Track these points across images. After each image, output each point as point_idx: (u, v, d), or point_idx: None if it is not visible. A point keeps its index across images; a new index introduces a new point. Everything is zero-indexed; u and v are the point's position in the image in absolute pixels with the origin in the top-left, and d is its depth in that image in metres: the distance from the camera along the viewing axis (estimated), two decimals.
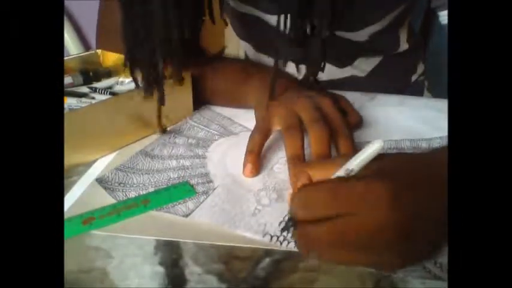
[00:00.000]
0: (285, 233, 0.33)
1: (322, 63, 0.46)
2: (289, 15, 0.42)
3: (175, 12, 0.43)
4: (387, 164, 0.31)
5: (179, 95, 0.53)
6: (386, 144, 0.47)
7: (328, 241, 0.28)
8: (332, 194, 0.28)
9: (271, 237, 0.34)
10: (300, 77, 0.48)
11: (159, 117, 0.49)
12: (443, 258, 0.31)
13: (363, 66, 0.67)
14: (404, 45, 0.66)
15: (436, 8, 0.51)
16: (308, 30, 0.43)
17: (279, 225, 0.34)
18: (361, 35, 0.59)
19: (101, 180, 0.42)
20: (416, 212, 0.28)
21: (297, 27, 0.42)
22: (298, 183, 0.34)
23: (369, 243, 0.28)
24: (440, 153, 0.33)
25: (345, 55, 0.66)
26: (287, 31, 0.42)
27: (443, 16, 0.51)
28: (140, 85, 0.47)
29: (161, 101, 0.47)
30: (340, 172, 0.31)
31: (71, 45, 1.56)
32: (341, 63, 0.66)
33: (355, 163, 0.31)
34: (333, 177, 0.31)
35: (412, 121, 0.52)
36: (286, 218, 0.32)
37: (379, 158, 0.31)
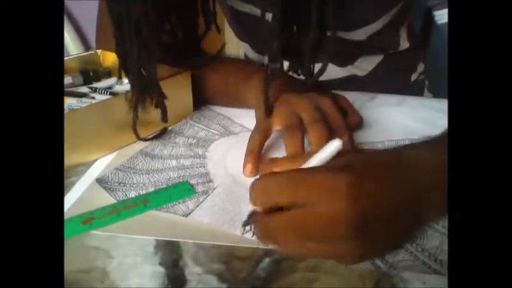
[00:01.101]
0: (247, 227, 0.32)
1: (322, 63, 0.46)
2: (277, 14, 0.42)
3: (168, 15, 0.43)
4: (351, 158, 0.31)
5: (179, 95, 0.53)
6: (387, 144, 0.47)
7: (286, 232, 0.28)
8: (290, 182, 0.28)
9: None
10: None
11: (134, 125, 0.48)
12: (444, 255, 0.31)
13: (363, 66, 0.67)
14: (404, 44, 0.66)
15: (432, 7, 0.51)
16: (295, 28, 0.43)
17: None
18: (360, 34, 0.59)
19: (101, 180, 0.42)
20: (376, 205, 0.28)
21: (286, 27, 0.42)
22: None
23: (327, 233, 0.27)
24: (409, 147, 0.33)
25: (345, 54, 0.66)
26: (276, 30, 0.42)
27: (439, 15, 0.50)
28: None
29: (161, 108, 0.48)
30: (307, 164, 0.31)
31: (71, 45, 1.56)
32: (342, 63, 0.66)
33: (315, 161, 0.31)
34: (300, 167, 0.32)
35: (412, 121, 0.52)
36: (249, 212, 0.32)
37: (345, 153, 0.31)
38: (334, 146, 0.31)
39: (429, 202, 0.30)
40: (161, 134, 0.50)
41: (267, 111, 0.46)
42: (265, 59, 0.45)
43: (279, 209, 0.28)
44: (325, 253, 0.29)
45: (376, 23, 0.56)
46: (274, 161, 0.37)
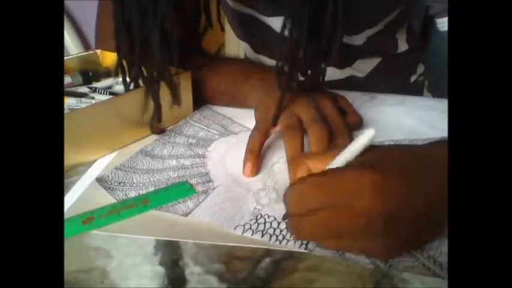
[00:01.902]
0: (286, 221, 0.34)
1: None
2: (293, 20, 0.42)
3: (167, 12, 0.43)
4: (376, 155, 0.32)
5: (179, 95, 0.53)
6: (387, 143, 0.47)
7: (320, 231, 0.30)
8: (319, 187, 0.30)
9: (271, 236, 0.34)
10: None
11: (159, 116, 0.49)
12: (443, 258, 0.31)
13: (362, 67, 0.67)
14: (403, 46, 0.66)
15: (434, 14, 0.51)
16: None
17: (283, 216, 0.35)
18: (358, 39, 0.59)
19: (100, 180, 0.42)
20: (403, 202, 0.28)
21: (300, 31, 0.42)
22: (298, 174, 0.35)
23: (358, 230, 0.29)
24: (434, 146, 0.33)
25: (344, 57, 0.66)
26: (288, 33, 0.42)
27: (441, 24, 0.50)
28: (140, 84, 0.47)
29: (175, 99, 0.49)
30: (335, 162, 0.32)
31: (71, 45, 1.56)
32: (340, 65, 0.66)
33: (349, 153, 0.31)
34: (327, 167, 0.32)
35: (412, 121, 0.52)
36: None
37: (370, 149, 0.32)
38: (368, 135, 0.31)
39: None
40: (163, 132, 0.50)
41: (275, 120, 0.46)
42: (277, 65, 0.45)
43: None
44: (358, 249, 0.31)
45: (375, 27, 0.57)
46: (308, 155, 0.37)
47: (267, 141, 0.45)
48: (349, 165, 0.31)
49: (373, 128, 0.31)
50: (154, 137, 0.50)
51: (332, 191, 0.29)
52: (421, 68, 0.72)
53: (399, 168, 0.30)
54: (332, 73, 0.65)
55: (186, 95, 0.54)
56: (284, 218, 0.34)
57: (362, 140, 0.31)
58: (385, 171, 0.29)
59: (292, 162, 0.38)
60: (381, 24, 0.57)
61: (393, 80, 0.68)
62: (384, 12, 0.56)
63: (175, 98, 0.50)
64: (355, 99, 0.58)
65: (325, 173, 0.31)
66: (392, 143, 0.47)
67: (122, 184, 0.41)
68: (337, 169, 0.31)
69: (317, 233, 0.30)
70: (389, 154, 0.32)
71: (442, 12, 0.49)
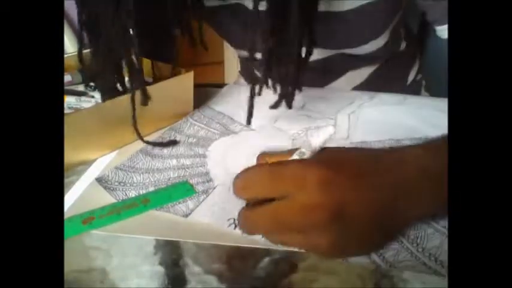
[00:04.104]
0: (219, 229, 0.33)
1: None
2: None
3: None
4: (329, 154, 0.32)
5: (181, 94, 0.53)
6: (387, 143, 0.47)
7: (266, 223, 0.30)
8: (266, 175, 0.30)
9: None
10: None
11: (135, 123, 0.46)
12: (444, 256, 0.31)
13: (362, 72, 0.67)
14: (402, 45, 0.66)
15: (433, 22, 0.50)
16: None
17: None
18: (367, 48, 0.58)
19: (100, 180, 0.42)
20: (349, 200, 0.28)
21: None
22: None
23: (302, 224, 0.29)
24: (388, 151, 0.34)
25: (347, 67, 0.66)
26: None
27: (441, 31, 0.49)
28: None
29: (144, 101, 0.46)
30: (294, 156, 0.32)
31: (70, 44, 1.56)
32: (340, 75, 0.66)
33: (307, 147, 0.32)
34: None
35: (412, 120, 0.52)
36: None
37: (326, 149, 0.32)
38: (327, 131, 0.31)
39: (410, 204, 0.31)
40: (168, 144, 0.49)
41: (249, 120, 0.46)
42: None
43: (264, 201, 0.30)
44: (303, 243, 0.31)
45: (383, 35, 0.56)
46: (269, 153, 0.37)
47: (268, 142, 0.45)
48: (302, 159, 0.31)
49: (332, 126, 0.31)
50: (154, 136, 0.50)
51: (275, 181, 0.29)
52: (416, 67, 0.72)
53: (349, 167, 0.30)
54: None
55: (187, 94, 0.54)
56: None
57: (320, 137, 0.31)
58: (332, 167, 0.29)
59: (260, 156, 0.38)
60: (385, 35, 0.57)
61: (392, 80, 0.68)
62: (386, 22, 0.56)
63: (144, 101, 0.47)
64: (356, 98, 0.58)
65: (276, 163, 0.31)
66: (392, 142, 0.47)
67: (122, 184, 0.41)
68: (284, 161, 0.32)
69: (264, 226, 0.30)
70: (343, 154, 0.33)
71: (439, 20, 0.48)
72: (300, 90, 0.49)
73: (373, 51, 0.58)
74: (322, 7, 0.47)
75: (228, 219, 0.36)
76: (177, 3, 0.51)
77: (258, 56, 0.43)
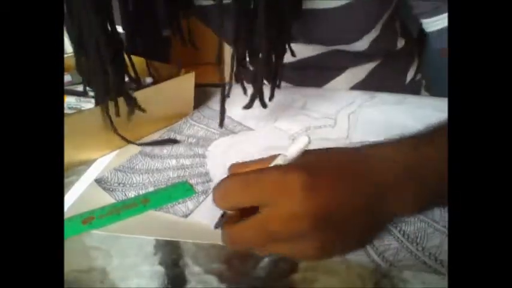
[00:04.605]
0: (218, 230, 0.32)
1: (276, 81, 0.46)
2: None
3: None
4: (309, 158, 0.31)
5: (181, 95, 0.53)
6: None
7: (250, 237, 0.29)
8: (245, 184, 0.29)
9: None
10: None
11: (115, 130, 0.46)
12: (444, 255, 0.31)
13: (361, 70, 0.67)
14: (400, 43, 0.66)
15: (418, 14, 0.50)
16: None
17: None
18: (361, 45, 0.59)
19: (100, 181, 0.42)
20: (331, 202, 0.28)
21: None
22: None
23: (286, 232, 0.28)
24: (368, 148, 0.33)
25: (348, 65, 0.66)
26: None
27: (427, 24, 0.49)
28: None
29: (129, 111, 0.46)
30: (277, 161, 0.31)
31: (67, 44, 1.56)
32: (339, 72, 0.66)
33: (284, 157, 0.31)
34: None
35: (412, 120, 0.52)
36: (220, 215, 0.32)
37: (306, 153, 0.31)
38: (301, 141, 0.31)
39: (390, 201, 0.31)
40: (167, 142, 0.49)
41: (222, 123, 0.46)
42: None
43: (244, 209, 0.29)
44: (292, 252, 0.30)
45: (374, 29, 0.56)
46: (244, 165, 0.35)
47: (268, 142, 0.45)
48: (280, 165, 0.31)
49: (307, 136, 0.31)
50: (153, 137, 0.50)
51: (255, 188, 0.28)
52: (416, 65, 0.72)
53: (330, 170, 0.30)
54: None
55: (188, 95, 0.54)
56: (216, 226, 0.32)
57: (297, 145, 0.31)
58: (313, 172, 0.28)
59: (232, 166, 0.36)
60: (377, 28, 0.57)
61: (390, 79, 0.68)
62: (376, 17, 0.56)
63: (130, 110, 0.46)
64: (356, 98, 0.58)
65: (255, 171, 0.30)
66: None
67: (121, 185, 0.41)
68: (265, 168, 0.30)
69: (252, 240, 0.29)
70: (323, 156, 0.32)
71: (425, 13, 0.48)
72: (279, 87, 0.49)
73: (366, 48, 0.58)
74: (310, 4, 0.47)
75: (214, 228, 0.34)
76: (167, 2, 0.51)
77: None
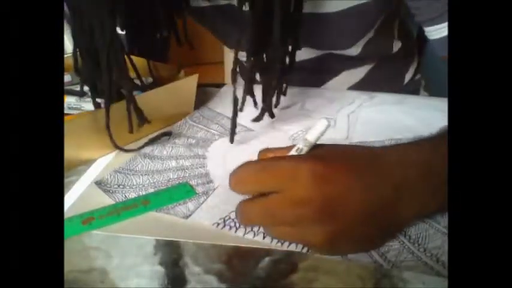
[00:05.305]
0: (219, 230, 0.34)
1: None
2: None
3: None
4: (323, 150, 0.32)
5: (183, 96, 0.53)
6: (386, 143, 0.47)
7: (259, 216, 0.30)
8: (260, 171, 0.30)
9: (272, 238, 0.33)
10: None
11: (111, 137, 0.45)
12: (445, 256, 0.31)
13: (357, 72, 0.67)
14: (396, 45, 0.66)
15: (422, 23, 0.50)
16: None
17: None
18: (353, 50, 0.59)
19: (100, 183, 0.42)
20: (343, 194, 0.29)
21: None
22: None
23: (293, 217, 0.29)
24: (386, 148, 0.33)
25: (340, 68, 0.66)
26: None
27: (429, 32, 0.49)
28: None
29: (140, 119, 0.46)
30: (292, 152, 0.32)
31: (70, 44, 1.55)
32: (335, 74, 0.67)
33: (304, 142, 0.31)
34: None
35: (412, 120, 0.52)
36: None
37: (324, 145, 0.32)
38: (321, 124, 0.31)
39: (407, 203, 0.31)
40: (158, 138, 0.49)
41: (232, 138, 0.47)
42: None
43: (260, 195, 0.30)
44: (297, 238, 0.31)
45: (366, 36, 0.57)
46: (271, 150, 0.37)
47: (267, 143, 0.45)
48: (296, 155, 0.31)
49: (326, 119, 0.31)
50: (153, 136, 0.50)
51: (268, 175, 0.30)
52: (414, 65, 0.72)
53: (345, 162, 0.30)
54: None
55: (190, 97, 0.54)
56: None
57: (317, 129, 0.31)
58: (326, 162, 0.29)
59: (261, 152, 0.37)
60: (371, 32, 0.57)
61: (388, 80, 0.68)
62: (371, 23, 0.56)
63: (141, 118, 0.47)
64: (355, 98, 0.58)
65: (270, 159, 0.32)
66: (392, 142, 0.47)
67: (121, 186, 0.41)
68: (279, 156, 0.32)
69: (256, 219, 0.31)
70: (340, 149, 0.33)
71: (428, 21, 0.48)
72: (285, 95, 0.50)
73: (358, 52, 0.59)
74: (307, 9, 0.47)
75: (220, 218, 0.36)
76: (162, 2, 0.51)
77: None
